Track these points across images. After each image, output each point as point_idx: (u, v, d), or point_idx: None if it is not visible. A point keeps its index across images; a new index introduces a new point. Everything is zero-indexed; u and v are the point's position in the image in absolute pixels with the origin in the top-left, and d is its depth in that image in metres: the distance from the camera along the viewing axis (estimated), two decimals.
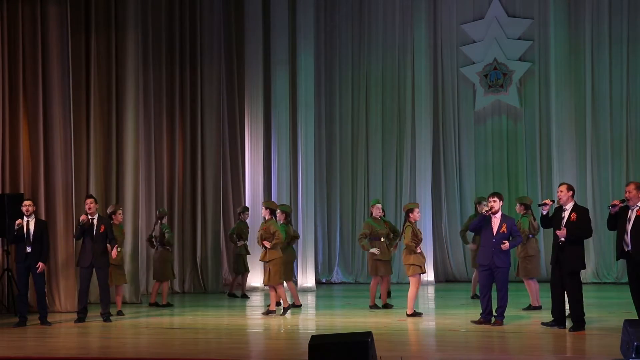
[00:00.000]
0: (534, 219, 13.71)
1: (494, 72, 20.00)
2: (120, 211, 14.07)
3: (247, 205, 18.22)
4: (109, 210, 13.94)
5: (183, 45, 17.77)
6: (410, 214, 13.02)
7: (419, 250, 12.94)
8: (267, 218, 13.53)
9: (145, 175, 16.48)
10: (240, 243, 16.56)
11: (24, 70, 14.31)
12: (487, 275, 11.72)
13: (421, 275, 13.20)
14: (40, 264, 12.63)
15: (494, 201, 11.73)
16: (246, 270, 16.74)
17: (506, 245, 11.60)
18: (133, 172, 15.45)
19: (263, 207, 13.89)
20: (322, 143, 20.23)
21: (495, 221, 11.72)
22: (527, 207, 13.80)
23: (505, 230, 11.66)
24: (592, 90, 19.18)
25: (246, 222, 16.83)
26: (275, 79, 19.10)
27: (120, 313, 13.62)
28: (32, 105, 14.26)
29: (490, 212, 11.71)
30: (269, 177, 19.13)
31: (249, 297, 16.44)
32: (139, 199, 15.58)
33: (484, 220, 11.78)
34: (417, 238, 12.96)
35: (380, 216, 14.30)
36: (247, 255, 16.73)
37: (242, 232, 16.68)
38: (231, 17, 18.89)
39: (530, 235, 13.62)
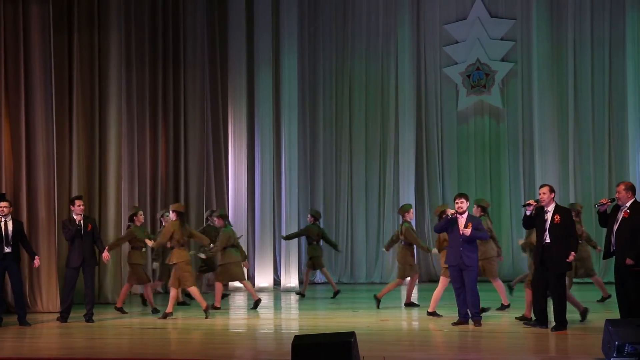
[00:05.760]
0: (490, 222, 13.79)
1: (476, 72, 20.07)
2: (141, 212, 14.09)
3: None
4: (129, 213, 14.02)
5: (166, 45, 17.72)
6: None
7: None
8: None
9: (128, 176, 16.42)
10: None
11: (6, 71, 14.17)
12: (458, 275, 11.81)
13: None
14: (37, 259, 12.72)
15: (461, 202, 11.88)
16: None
17: (467, 230, 11.67)
18: (116, 172, 15.40)
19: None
20: (305, 144, 20.24)
21: (462, 221, 11.85)
22: (484, 209, 13.85)
23: (470, 228, 11.77)
24: (574, 90, 19.29)
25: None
26: (258, 80, 19.09)
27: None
28: (14, 105, 14.14)
29: (456, 214, 11.82)
30: (253, 177, 19.12)
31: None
32: (121, 199, 15.53)
33: (450, 222, 11.88)
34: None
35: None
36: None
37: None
38: (214, 17, 18.86)
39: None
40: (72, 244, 12.80)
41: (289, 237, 17.28)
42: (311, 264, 16.54)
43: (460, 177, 20.08)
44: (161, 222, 15.31)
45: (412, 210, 14.60)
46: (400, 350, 10.32)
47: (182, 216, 13.15)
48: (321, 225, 17.19)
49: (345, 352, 7.92)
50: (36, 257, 12.79)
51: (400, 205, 19.24)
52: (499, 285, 13.58)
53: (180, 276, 12.95)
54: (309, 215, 16.90)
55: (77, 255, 12.74)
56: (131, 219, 14.01)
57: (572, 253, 11.08)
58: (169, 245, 13.18)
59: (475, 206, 13.94)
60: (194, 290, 13.19)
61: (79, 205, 12.82)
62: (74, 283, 12.87)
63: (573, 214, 12.08)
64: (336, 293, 16.41)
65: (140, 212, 14.14)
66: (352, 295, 17.54)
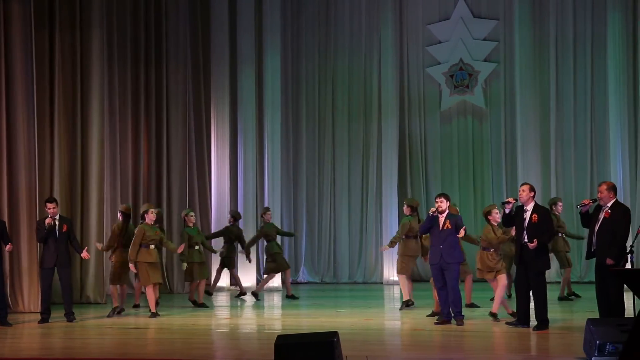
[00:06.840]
0: (418, 221, 13.73)
1: (459, 72, 20.11)
2: (152, 210, 13.62)
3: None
4: (141, 210, 13.73)
5: (148, 44, 17.65)
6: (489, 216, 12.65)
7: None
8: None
9: (111, 175, 16.34)
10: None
11: None
12: (439, 274, 11.86)
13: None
14: (9, 245, 12.61)
15: (441, 201, 11.95)
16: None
17: (462, 232, 11.80)
18: (98, 172, 15.33)
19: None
20: (288, 143, 20.23)
21: (442, 220, 11.90)
22: (413, 209, 13.89)
23: (449, 226, 11.85)
24: (556, 90, 19.36)
25: (272, 223, 16.39)
26: (241, 79, 19.06)
27: (154, 315, 13.31)
28: None
29: (436, 212, 11.87)
30: (235, 176, 19.09)
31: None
32: (103, 199, 15.46)
33: (432, 221, 11.93)
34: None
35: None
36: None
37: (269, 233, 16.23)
38: (197, 16, 18.81)
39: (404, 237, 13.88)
40: (46, 244, 12.73)
41: (208, 237, 16.52)
42: (222, 263, 16.33)
43: (443, 176, 20.12)
44: (185, 220, 15.20)
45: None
46: (383, 350, 10.33)
47: (127, 218, 13.77)
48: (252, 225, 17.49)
49: (328, 352, 7.92)
50: (9, 243, 12.66)
51: (382, 204, 19.37)
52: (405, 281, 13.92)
53: (113, 273, 13.62)
54: (229, 216, 16.77)
55: (50, 255, 12.67)
56: (142, 217, 13.52)
57: (535, 240, 11.02)
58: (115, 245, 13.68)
59: (405, 206, 14.02)
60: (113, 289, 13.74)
61: (49, 209, 12.73)
62: (50, 283, 12.79)
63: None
64: (242, 294, 16.26)
65: (152, 210, 13.60)
66: (335, 294, 17.55)
